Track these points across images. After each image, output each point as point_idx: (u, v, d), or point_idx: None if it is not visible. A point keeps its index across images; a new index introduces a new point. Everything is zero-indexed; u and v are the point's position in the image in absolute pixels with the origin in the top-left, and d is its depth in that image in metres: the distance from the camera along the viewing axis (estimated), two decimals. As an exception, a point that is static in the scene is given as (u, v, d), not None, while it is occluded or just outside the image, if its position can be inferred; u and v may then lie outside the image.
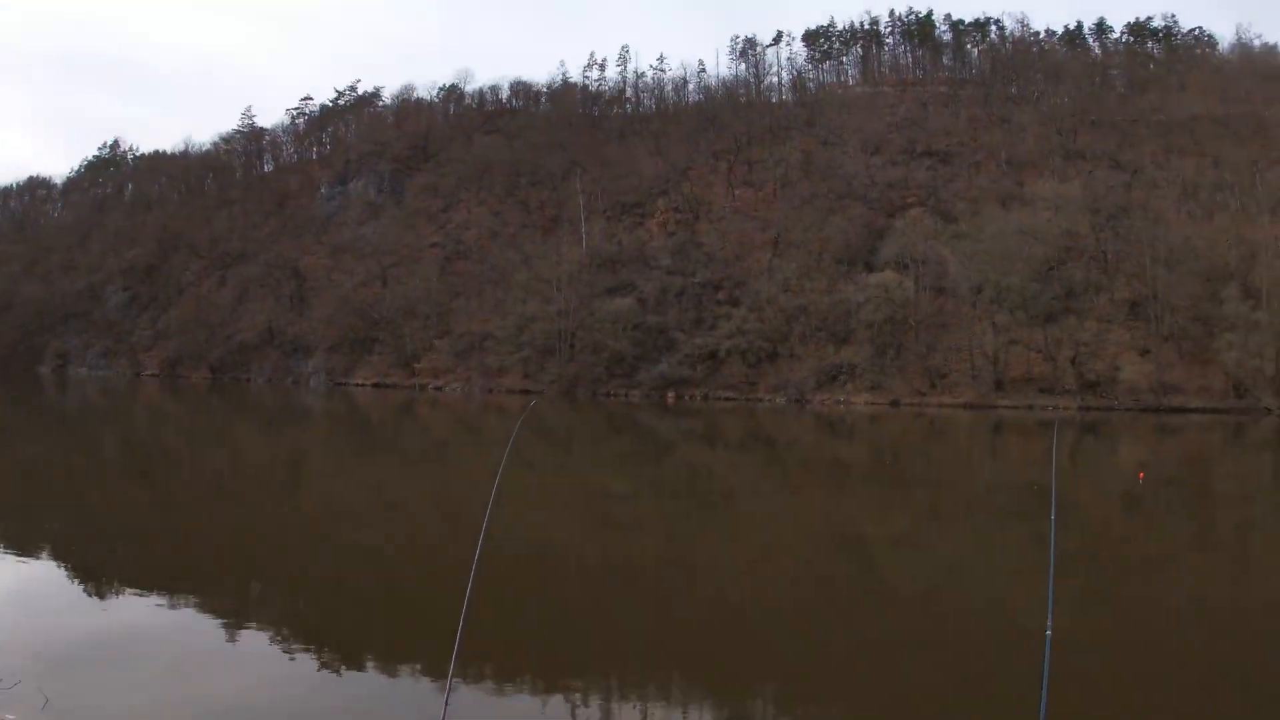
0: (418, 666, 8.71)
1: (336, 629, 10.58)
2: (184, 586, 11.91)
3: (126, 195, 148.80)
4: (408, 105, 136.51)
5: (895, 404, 75.52)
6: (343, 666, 9.00)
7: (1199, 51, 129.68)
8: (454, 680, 8.48)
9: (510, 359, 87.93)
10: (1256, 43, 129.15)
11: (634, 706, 8.35)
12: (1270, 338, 70.54)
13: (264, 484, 23.96)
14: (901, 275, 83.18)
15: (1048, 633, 4.53)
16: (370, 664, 9.12)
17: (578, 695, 8.47)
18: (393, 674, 8.91)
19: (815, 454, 39.28)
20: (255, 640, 9.70)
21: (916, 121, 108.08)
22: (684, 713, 8.21)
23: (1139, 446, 43.70)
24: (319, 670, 8.84)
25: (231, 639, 9.71)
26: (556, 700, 8.33)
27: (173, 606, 10.95)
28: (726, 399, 79.93)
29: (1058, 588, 13.16)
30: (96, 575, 12.66)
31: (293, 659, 9.11)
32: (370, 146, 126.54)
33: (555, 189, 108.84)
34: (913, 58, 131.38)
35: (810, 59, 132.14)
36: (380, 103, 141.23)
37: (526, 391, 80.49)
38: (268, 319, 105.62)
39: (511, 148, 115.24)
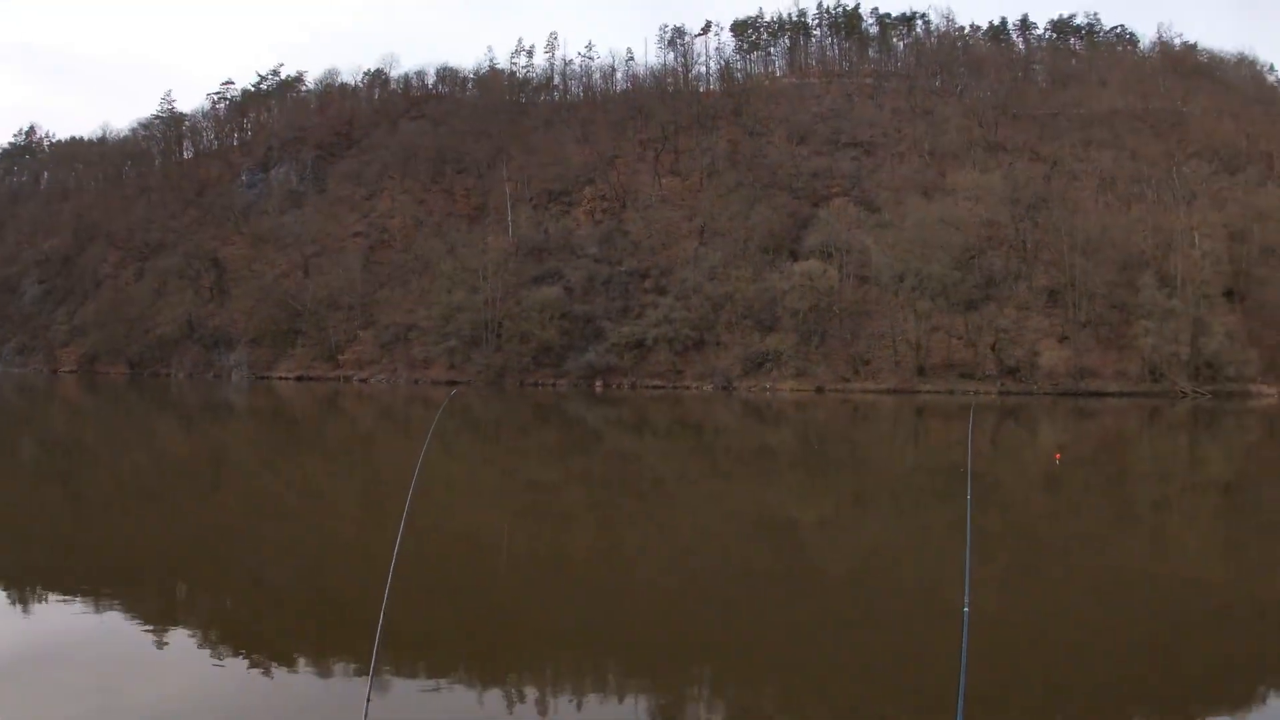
0: (351, 665, 8.52)
1: (265, 629, 10.32)
2: (108, 591, 11.49)
3: (42, 184, 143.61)
4: (331, 90, 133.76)
5: (820, 390, 76.58)
6: (273, 666, 8.77)
7: (1120, 49, 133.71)
8: (384, 677, 8.34)
9: (436, 349, 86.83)
10: (1177, 41, 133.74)
11: (569, 696, 8.30)
12: (1185, 324, 73.22)
13: (186, 482, 23.29)
14: (826, 264, 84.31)
15: (965, 610, 4.60)
16: (302, 663, 8.90)
17: (512, 687, 8.38)
18: (325, 672, 8.70)
19: (742, 440, 39.57)
20: (183, 644, 9.41)
21: (842, 113, 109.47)
22: (620, 700, 8.18)
23: (1058, 429, 44.91)
24: (249, 671, 8.61)
25: (160, 644, 9.40)
26: (493, 693, 8.23)
27: (98, 612, 10.55)
28: (654, 387, 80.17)
29: (981, 567, 13.54)
30: (16, 582, 12.14)
31: (222, 662, 8.85)
32: (292, 133, 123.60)
33: (481, 177, 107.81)
34: (839, 50, 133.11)
35: (738, 49, 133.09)
36: (304, 88, 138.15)
37: (453, 382, 79.77)
38: (187, 311, 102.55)
39: (437, 134, 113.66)
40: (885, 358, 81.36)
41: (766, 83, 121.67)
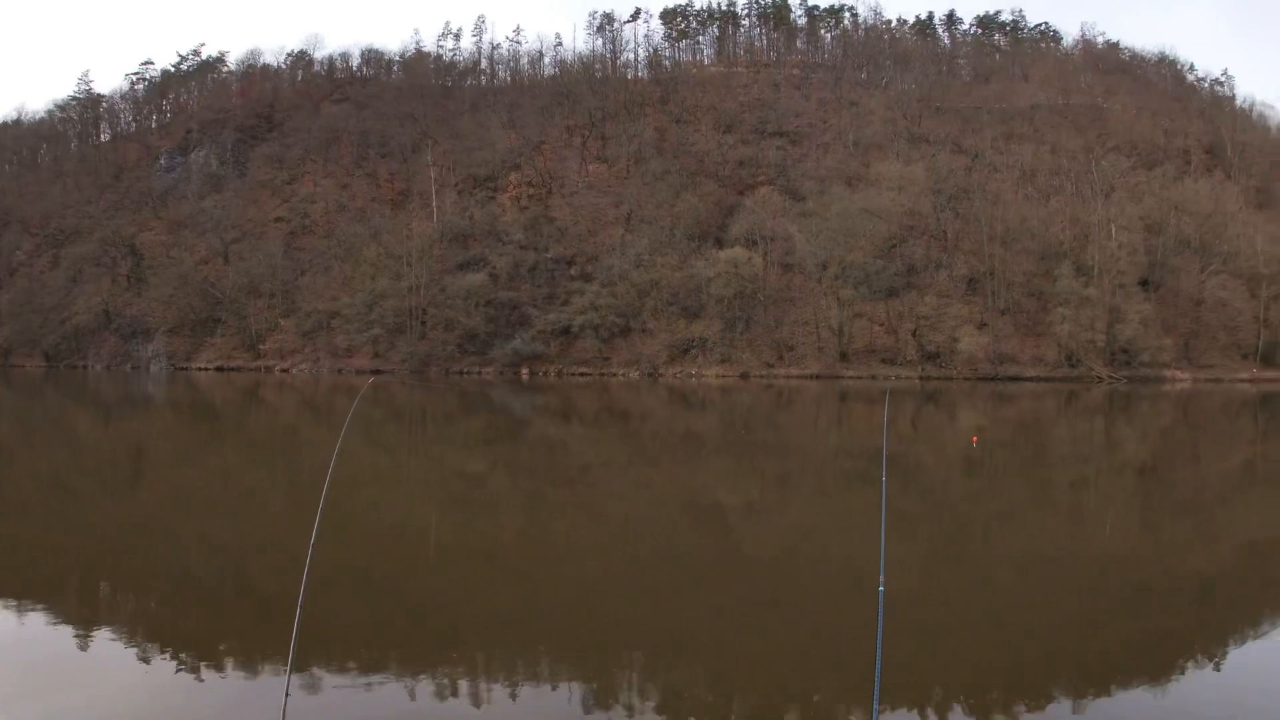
0: (276, 662, 8.23)
1: (190, 627, 9.93)
2: (28, 593, 10.94)
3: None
4: (253, 72, 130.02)
5: (745, 376, 77.28)
6: (201, 666, 8.44)
7: (1043, 45, 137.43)
8: (312, 673, 8.08)
9: (359, 338, 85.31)
10: (1099, 39, 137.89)
11: (502, 686, 8.14)
12: (1101, 311, 75.76)
13: (105, 478, 22.43)
14: (751, 251, 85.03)
15: (880, 589, 4.60)
16: (226, 662, 8.59)
17: (445, 679, 8.20)
18: (250, 671, 8.40)
19: (669, 426, 39.67)
20: (109, 647, 8.99)
21: (768, 102, 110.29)
22: (553, 687, 8.06)
23: (977, 413, 45.89)
24: (176, 672, 8.27)
25: (84, 647, 8.98)
26: (424, 686, 8.03)
27: (18, 615, 10.07)
28: (581, 374, 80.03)
29: (903, 547, 13.69)
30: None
31: (148, 664, 8.48)
32: (213, 115, 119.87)
33: (405, 161, 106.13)
34: (767, 40, 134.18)
35: (667, 37, 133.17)
36: (225, 69, 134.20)
37: (377, 371, 78.57)
38: (104, 300, 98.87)
39: (361, 117, 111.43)
40: (809, 344, 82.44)
41: (694, 71, 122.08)
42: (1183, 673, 8.76)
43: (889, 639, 5.11)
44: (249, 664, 8.48)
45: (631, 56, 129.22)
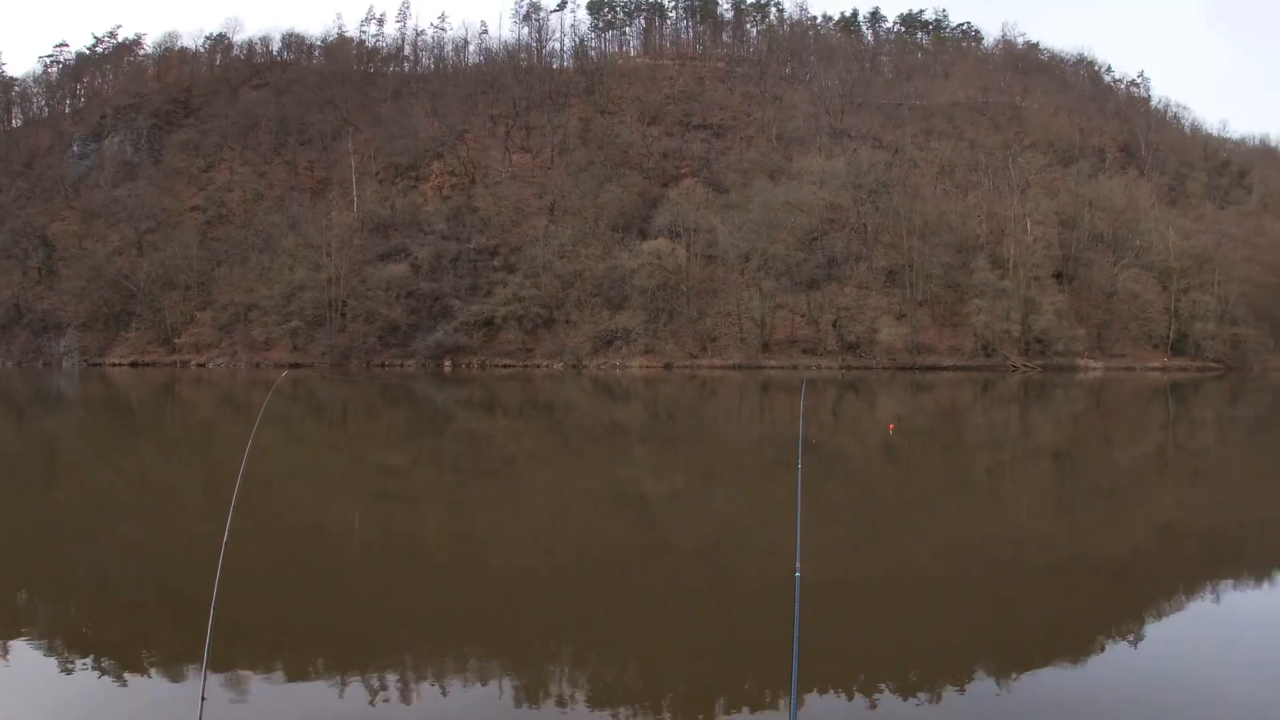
0: (196, 666, 7.91)
1: (109, 633, 9.51)
2: None
3: None
4: (171, 55, 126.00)
5: (669, 367, 77.66)
6: (117, 671, 8.09)
7: (965, 44, 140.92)
8: (238, 674, 7.81)
9: (278, 331, 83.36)
10: (1020, 40, 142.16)
11: (430, 683, 7.97)
12: (1016, 303, 78.18)
13: (16, 479, 21.48)
14: (674, 243, 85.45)
15: (797, 575, 4.62)
16: (146, 667, 8.26)
17: (373, 677, 8.00)
18: (170, 675, 8.08)
19: (593, 418, 39.59)
20: (28, 656, 8.53)
21: (693, 95, 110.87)
22: (483, 683, 7.92)
23: (896, 402, 46.72)
24: (91, 679, 7.92)
25: (2, 657, 8.57)
26: (353, 685, 7.82)
27: None
28: (504, 366, 79.56)
29: (824, 533, 13.83)
30: None
31: (62, 670, 8.10)
32: (128, 99, 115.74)
33: (326, 149, 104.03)
34: (694, 33, 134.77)
35: (593, 28, 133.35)
36: (141, 51, 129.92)
37: (296, 365, 77.02)
38: (14, 294, 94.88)
39: (280, 104, 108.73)
40: (731, 335, 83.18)
41: (620, 62, 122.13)
42: (1101, 649, 8.98)
43: (812, 624, 5.14)
44: (167, 668, 8.18)
45: (557, 46, 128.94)
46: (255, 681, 7.80)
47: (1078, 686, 7.96)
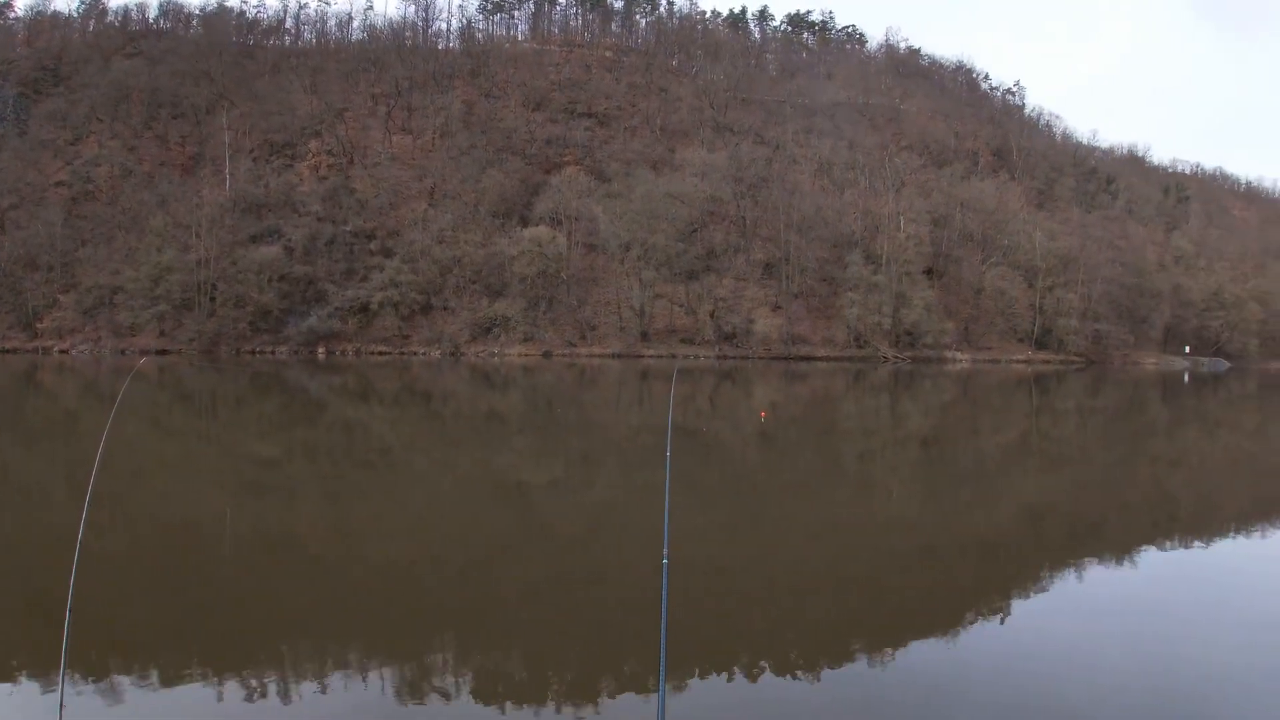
0: (74, 674, 7.50)
1: None
2: None
3: None
4: (42, 19, 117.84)
5: (548, 355, 77.49)
6: None
7: (849, 47, 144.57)
8: (112, 681, 7.41)
9: (144, 315, 79.18)
10: (902, 45, 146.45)
11: (311, 681, 7.73)
12: (888, 297, 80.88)
13: None
14: (555, 231, 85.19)
15: (664, 561, 4.70)
16: (10, 675, 7.77)
17: (251, 678, 7.71)
18: (33, 681, 7.62)
19: (472, 406, 39.18)
20: None
21: (579, 83, 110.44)
22: (364, 679, 7.74)
23: (771, 390, 47.65)
24: None
25: None
26: (230, 686, 7.53)
27: None
28: (380, 353, 78.01)
29: (701, 518, 14.04)
30: None
31: None
32: None
33: (199, 123, 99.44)
34: (583, 21, 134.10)
35: (481, 10, 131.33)
36: (11, 14, 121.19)
37: (163, 352, 73.73)
38: None
39: (154, 74, 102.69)
40: (611, 323, 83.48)
41: (507, 46, 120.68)
42: (969, 625, 9.38)
43: (691, 608, 5.26)
44: (25, 676, 7.73)
45: (444, 26, 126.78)
46: (122, 686, 7.43)
47: (949, 662, 8.28)
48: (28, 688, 7.47)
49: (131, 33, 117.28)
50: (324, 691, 7.46)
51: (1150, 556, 12.69)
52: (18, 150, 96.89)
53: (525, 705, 7.27)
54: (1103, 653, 8.47)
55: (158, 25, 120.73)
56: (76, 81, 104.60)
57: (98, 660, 7.80)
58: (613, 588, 10.91)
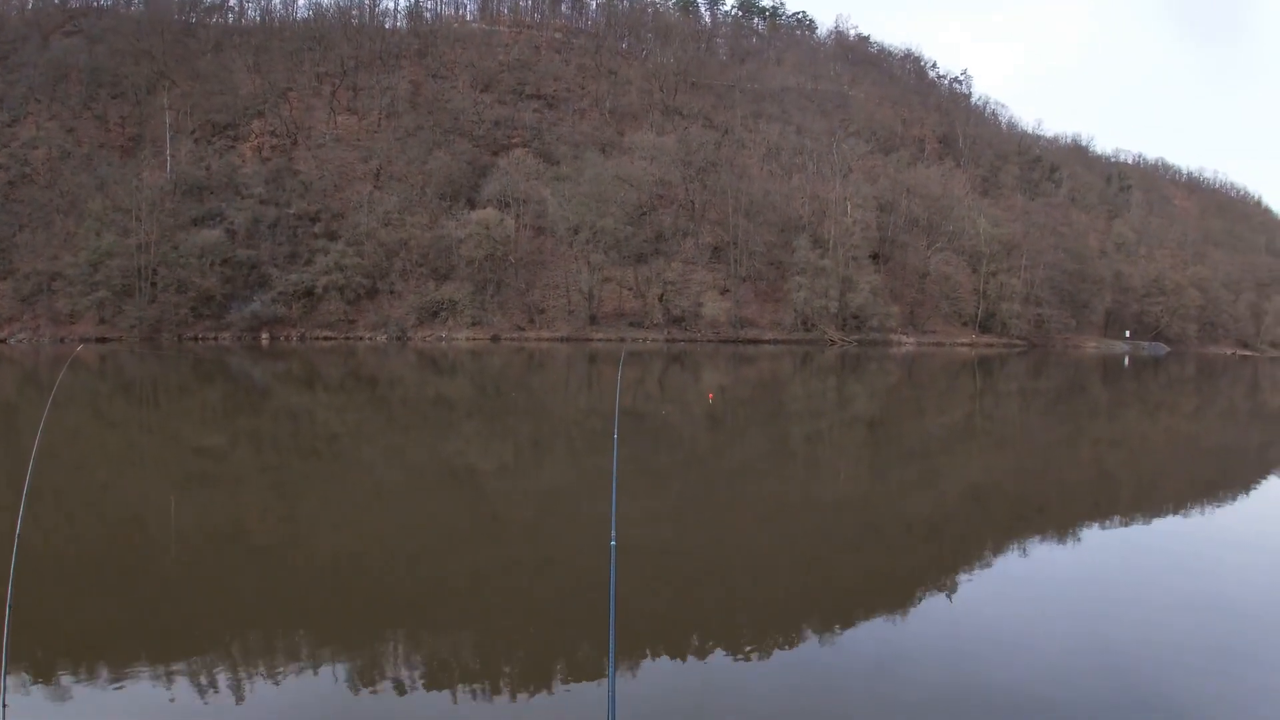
0: (15, 674, 7.31)
1: None
2: None
3: None
4: None
5: (496, 339, 77.09)
6: None
7: (799, 33, 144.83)
8: (58, 683, 7.31)
9: (84, 302, 76.84)
10: (852, 33, 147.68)
11: (262, 675, 7.65)
12: (834, 281, 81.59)
13: None
14: (503, 213, 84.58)
15: (612, 544, 4.76)
16: None
17: (201, 673, 7.61)
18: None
19: (419, 391, 38.87)
20: None
21: (528, 64, 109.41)
22: (315, 671, 7.68)
23: (720, 373, 47.92)
24: None
25: None
26: (180, 683, 7.43)
27: None
28: (325, 338, 77.03)
29: (651, 501, 14.09)
30: None
31: None
32: None
33: (139, 104, 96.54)
34: (532, 1, 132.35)
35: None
36: None
37: (104, 339, 71.91)
38: None
39: (93, 53, 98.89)
40: (559, 307, 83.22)
41: (455, 26, 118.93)
42: (917, 603, 9.57)
43: (641, 590, 5.31)
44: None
45: (391, 5, 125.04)
46: (67, 684, 7.30)
47: (897, 639, 8.44)
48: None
49: (71, 10, 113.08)
50: (276, 684, 7.41)
51: (1093, 535, 13.02)
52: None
53: (477, 692, 7.29)
54: (1047, 631, 8.70)
55: (98, 2, 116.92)
56: (14, 61, 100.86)
57: (42, 659, 7.67)
58: (563, 573, 10.94)
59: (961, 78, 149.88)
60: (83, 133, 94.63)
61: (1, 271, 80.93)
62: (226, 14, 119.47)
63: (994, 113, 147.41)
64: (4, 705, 4.67)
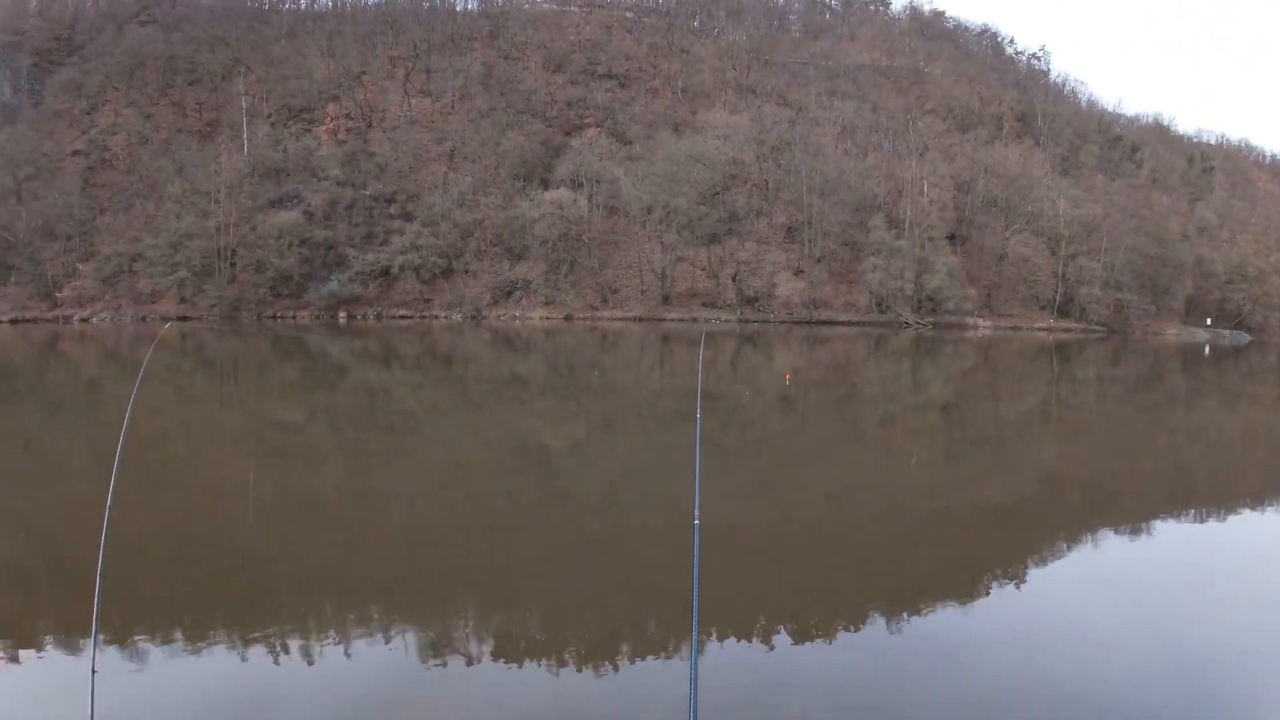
0: (104, 639, 7.62)
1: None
2: None
3: None
4: None
5: (569, 318, 77.44)
6: (13, 649, 7.71)
7: (872, 8, 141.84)
8: (134, 645, 7.56)
9: (164, 282, 79.13)
10: (926, 7, 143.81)
11: (333, 642, 7.86)
12: (910, 262, 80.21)
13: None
14: (576, 193, 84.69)
15: (696, 523, 4.74)
16: (38, 641, 7.90)
17: (275, 639, 7.85)
18: (64, 648, 7.77)
19: (493, 370, 39.28)
20: None
21: (599, 44, 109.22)
22: (387, 641, 7.85)
23: (792, 355, 47.53)
24: None
25: None
26: (254, 649, 7.67)
27: None
28: (401, 317, 78.18)
29: (724, 481, 14.06)
30: None
31: None
32: (8, 37, 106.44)
33: (215, 90, 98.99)
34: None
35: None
36: None
37: (184, 318, 73.95)
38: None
39: (169, 41, 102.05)
40: (632, 287, 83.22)
41: (526, 7, 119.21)
42: (986, 593, 9.41)
43: (711, 569, 5.27)
44: (56, 643, 7.88)
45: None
46: (151, 650, 7.58)
47: (963, 627, 8.33)
48: (60, 652, 7.63)
49: (145, 1, 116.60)
50: (347, 653, 7.59)
51: (1167, 529, 12.66)
52: (33, 121, 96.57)
53: (545, 665, 7.37)
54: (1116, 625, 8.50)
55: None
56: (90, 51, 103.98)
57: (127, 625, 7.95)
58: (634, 549, 10.99)
59: (1040, 54, 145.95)
60: (160, 119, 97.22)
61: (84, 254, 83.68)
62: (298, 0, 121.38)
63: (1073, 90, 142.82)
64: (94, 671, 4.83)
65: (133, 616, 8.17)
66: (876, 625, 8.36)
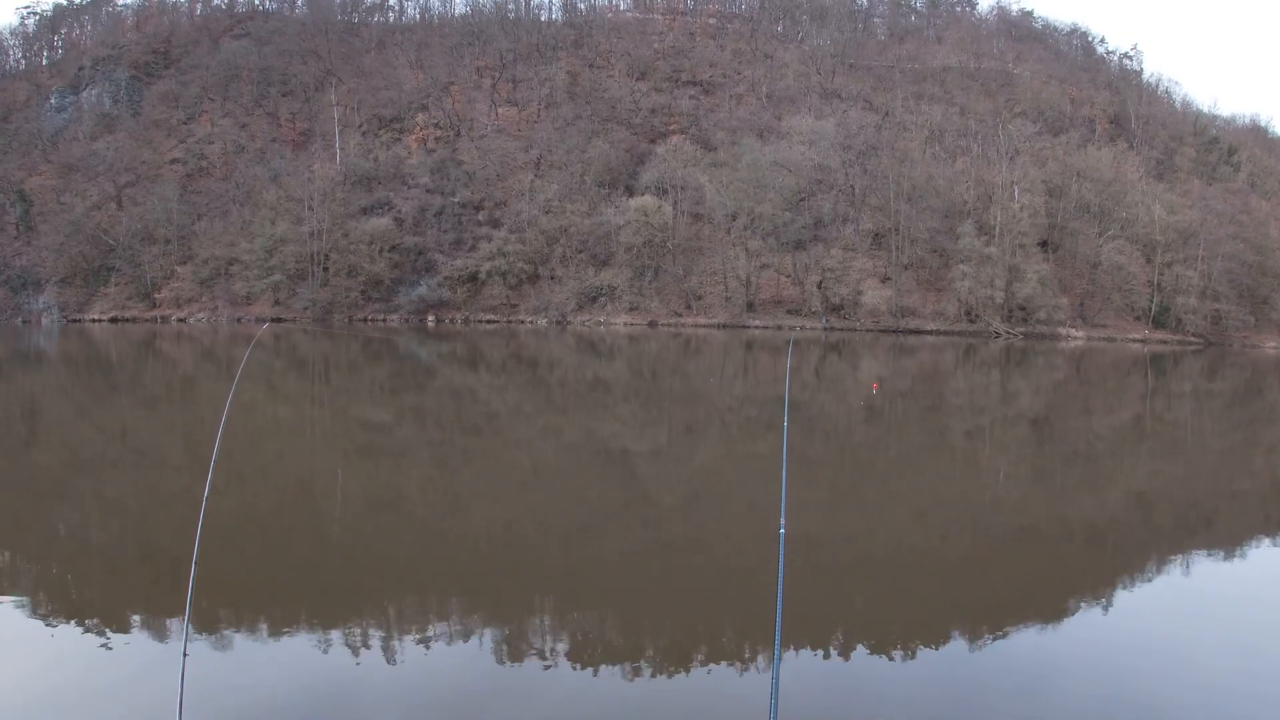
0: (195, 624, 7.91)
1: (94, 594, 9.42)
2: None
3: None
4: (150, 5, 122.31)
5: (653, 324, 77.60)
6: (108, 633, 8.03)
7: (959, 9, 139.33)
8: (220, 632, 7.86)
9: (259, 285, 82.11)
10: (1014, 8, 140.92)
11: (414, 638, 8.04)
12: (1000, 270, 78.32)
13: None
14: (661, 200, 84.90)
15: (781, 531, 4.70)
16: (131, 626, 8.24)
17: (356, 630, 8.06)
18: (153, 633, 8.09)
19: (577, 374, 39.55)
20: (11, 618, 8.37)
21: (683, 51, 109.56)
22: (465, 639, 7.99)
23: (879, 364, 46.86)
24: (83, 639, 7.86)
25: None
26: (335, 639, 7.88)
27: None
28: (488, 321, 79.29)
29: (805, 491, 13.93)
30: None
31: (53, 634, 8.05)
32: (107, 51, 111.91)
33: (308, 100, 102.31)
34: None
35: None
36: (120, 1, 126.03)
37: (279, 320, 76.26)
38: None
39: (262, 54, 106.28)
40: (716, 293, 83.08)
41: (610, 16, 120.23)
42: (1072, 614, 9.15)
43: (792, 580, 5.21)
44: (150, 626, 8.20)
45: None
46: (237, 638, 7.86)
47: (1049, 649, 8.11)
48: (152, 635, 7.94)
49: (238, 14, 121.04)
50: (426, 650, 7.73)
51: (1262, 553, 12.14)
52: (132, 130, 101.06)
53: (623, 670, 7.39)
54: (1206, 651, 8.19)
55: (263, 6, 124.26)
56: (187, 63, 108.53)
57: (216, 614, 8.22)
58: (714, 556, 10.97)
59: (1132, 53, 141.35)
60: (255, 128, 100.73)
61: (182, 257, 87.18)
62: (387, 13, 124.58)
63: (1167, 90, 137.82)
64: (185, 655, 5.02)
65: (223, 604, 8.45)
66: (959, 642, 8.19)
